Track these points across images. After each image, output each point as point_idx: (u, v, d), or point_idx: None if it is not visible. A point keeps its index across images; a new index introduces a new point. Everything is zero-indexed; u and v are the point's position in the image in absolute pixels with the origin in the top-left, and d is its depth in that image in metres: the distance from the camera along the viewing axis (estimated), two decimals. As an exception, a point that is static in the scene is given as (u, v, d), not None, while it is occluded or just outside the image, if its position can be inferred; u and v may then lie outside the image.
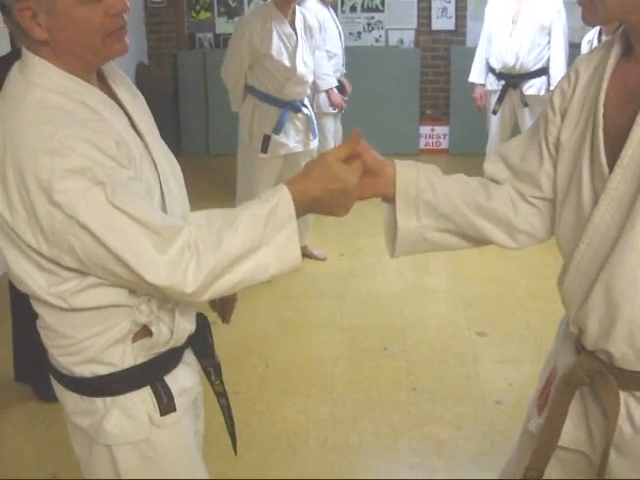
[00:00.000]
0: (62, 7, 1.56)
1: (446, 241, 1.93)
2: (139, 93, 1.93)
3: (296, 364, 4.35)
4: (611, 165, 1.59)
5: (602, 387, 1.70)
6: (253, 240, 1.61)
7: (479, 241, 1.94)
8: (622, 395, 1.67)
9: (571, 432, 1.79)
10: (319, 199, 1.71)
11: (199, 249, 1.57)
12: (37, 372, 3.88)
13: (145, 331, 1.78)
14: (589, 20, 1.63)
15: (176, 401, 1.86)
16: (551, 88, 6.17)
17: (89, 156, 1.53)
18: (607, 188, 1.59)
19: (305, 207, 1.71)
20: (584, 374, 1.73)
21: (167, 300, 1.75)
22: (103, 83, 1.79)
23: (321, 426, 3.74)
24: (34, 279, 1.64)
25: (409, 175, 1.86)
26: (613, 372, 1.67)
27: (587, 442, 1.79)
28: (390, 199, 1.89)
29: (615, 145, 1.59)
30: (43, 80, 1.62)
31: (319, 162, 1.73)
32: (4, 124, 1.56)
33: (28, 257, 1.62)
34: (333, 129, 6.44)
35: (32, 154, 1.51)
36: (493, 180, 1.93)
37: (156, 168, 1.78)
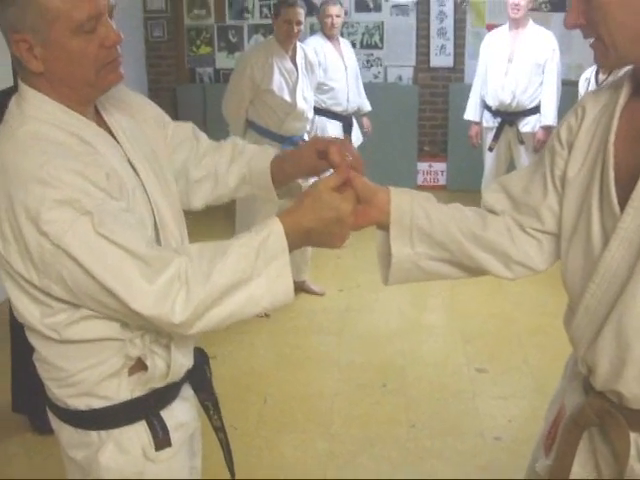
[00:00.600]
0: (57, 39, 1.59)
1: (440, 270, 1.91)
2: (146, 115, 1.96)
3: (294, 400, 4.33)
4: (621, 204, 1.59)
5: (612, 428, 1.68)
6: (244, 271, 1.60)
7: (474, 271, 1.92)
8: (632, 435, 1.66)
9: (579, 473, 1.77)
10: (313, 230, 1.69)
11: (189, 280, 1.56)
12: (34, 404, 3.86)
13: (141, 365, 1.77)
14: (601, 63, 1.64)
15: (172, 436, 1.85)
16: (541, 125, 6.24)
17: (78, 187, 1.54)
18: (618, 228, 1.58)
19: (299, 239, 1.69)
20: (593, 414, 1.71)
21: (161, 334, 1.75)
22: (99, 115, 1.80)
23: (319, 462, 3.72)
24: (29, 310, 1.66)
25: (403, 202, 1.85)
26: (623, 412, 1.66)
27: None
28: (384, 226, 1.88)
29: (625, 185, 1.59)
30: (38, 112, 1.64)
31: (310, 192, 1.71)
32: None
33: (21, 288, 1.63)
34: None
35: (22, 184, 1.52)
36: (491, 210, 1.92)
37: (149, 200, 1.78)
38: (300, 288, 5.79)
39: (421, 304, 5.84)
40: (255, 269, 1.61)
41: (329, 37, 6.36)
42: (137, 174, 1.78)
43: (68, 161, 1.57)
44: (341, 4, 6.45)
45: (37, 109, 1.65)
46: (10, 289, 1.66)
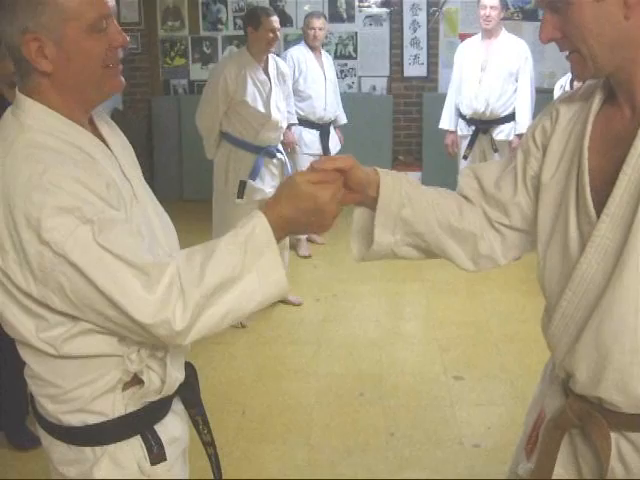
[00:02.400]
0: (71, 38, 1.61)
1: (409, 254, 1.94)
2: (125, 139, 1.95)
3: (273, 411, 4.32)
4: (596, 209, 1.61)
5: (593, 429, 1.69)
6: (234, 268, 1.60)
7: (438, 257, 1.96)
8: (613, 436, 1.67)
9: (561, 475, 1.78)
10: (293, 219, 1.70)
11: (183, 285, 1.56)
12: (11, 419, 3.84)
13: (135, 380, 1.76)
14: (579, 75, 1.65)
15: (166, 450, 1.84)
16: (517, 133, 6.28)
17: (78, 195, 1.54)
18: (594, 235, 1.60)
19: (282, 229, 1.69)
20: (574, 416, 1.73)
21: (157, 348, 1.74)
22: (94, 128, 1.81)
23: (299, 472, 3.71)
24: (23, 324, 1.64)
25: (392, 191, 1.86)
26: (604, 414, 1.67)
27: None
28: (367, 205, 1.89)
29: (599, 190, 1.61)
30: (36, 122, 1.64)
31: (287, 184, 1.72)
32: None
33: (17, 302, 1.61)
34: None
35: (22, 192, 1.52)
36: (466, 196, 1.94)
37: (142, 211, 1.79)
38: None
39: (398, 313, 5.85)
40: (245, 265, 1.61)
41: (311, 48, 6.63)
42: (131, 186, 1.79)
43: (68, 169, 1.57)
44: (325, 17, 6.67)
45: (35, 118, 1.65)
46: (3, 303, 1.64)
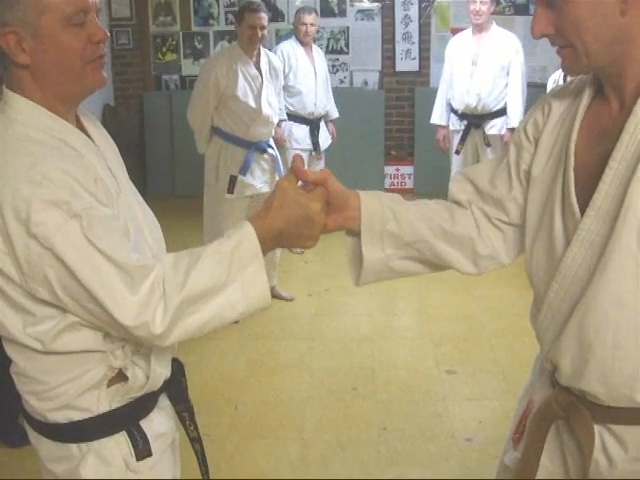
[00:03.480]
0: (46, 30, 1.62)
1: (409, 268, 1.94)
2: (109, 137, 1.95)
3: (266, 406, 4.33)
4: (582, 204, 1.61)
5: (577, 421, 1.71)
6: (219, 278, 1.60)
7: (441, 267, 1.96)
8: (597, 428, 1.68)
9: (547, 466, 1.80)
10: (283, 230, 1.70)
11: (166, 289, 1.56)
12: (4, 417, 3.83)
13: (120, 376, 1.77)
14: (571, 69, 1.65)
15: (152, 446, 1.84)
16: (508, 127, 6.29)
17: (67, 188, 1.55)
18: (579, 229, 1.61)
19: (271, 241, 1.69)
20: (559, 408, 1.74)
21: (141, 344, 1.74)
22: (79, 125, 1.81)
23: (292, 467, 3.71)
24: (10, 320, 1.64)
25: (373, 207, 1.86)
26: (588, 406, 1.68)
27: (562, 476, 1.79)
28: (354, 231, 1.89)
29: (586, 185, 1.61)
30: (23, 117, 1.65)
31: (277, 193, 1.72)
32: None
33: (5, 296, 1.62)
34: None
35: (11, 185, 1.53)
36: (456, 201, 1.94)
37: (128, 208, 1.79)
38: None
39: (390, 308, 5.86)
40: (230, 275, 1.61)
41: (302, 43, 6.60)
42: (117, 182, 1.80)
43: (57, 162, 1.58)
44: (316, 12, 6.66)
45: (22, 113, 1.66)
46: None
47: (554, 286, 1.68)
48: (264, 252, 1.66)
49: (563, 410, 1.74)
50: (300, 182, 1.78)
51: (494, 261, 1.94)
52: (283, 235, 1.71)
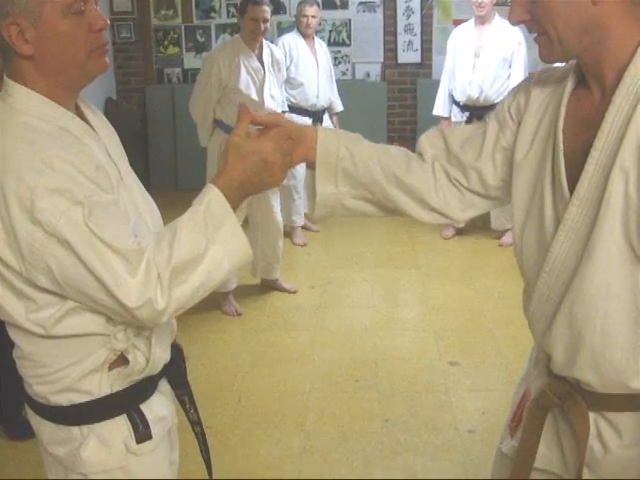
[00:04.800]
0: (47, 19, 1.64)
1: (363, 208, 1.96)
2: (109, 124, 1.97)
3: (268, 398, 4.34)
4: (570, 190, 1.62)
5: (571, 409, 1.72)
6: (198, 243, 1.62)
7: (394, 211, 1.97)
8: (592, 415, 1.69)
9: (545, 454, 1.81)
10: (246, 180, 1.72)
11: (158, 267, 1.58)
12: (7, 409, 3.84)
13: (121, 359, 1.79)
14: (546, 57, 1.66)
15: (152, 429, 1.87)
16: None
17: (69, 176, 1.57)
18: (565, 219, 1.62)
19: (235, 195, 1.71)
20: (554, 396, 1.75)
21: (143, 328, 1.77)
22: (80, 113, 1.83)
23: (294, 459, 3.73)
24: (13, 307, 1.67)
25: (329, 143, 1.89)
26: (582, 394, 1.69)
27: (560, 463, 1.80)
28: (312, 164, 1.92)
29: (572, 172, 1.62)
30: (25, 106, 1.67)
31: (229, 149, 1.74)
32: None
33: (5, 282, 1.64)
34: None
35: (14, 173, 1.55)
36: (422, 153, 1.95)
37: (130, 195, 1.81)
38: (272, 286, 5.81)
39: (393, 299, 5.86)
40: (209, 238, 1.64)
41: (304, 35, 6.64)
42: (118, 169, 1.82)
43: (60, 150, 1.60)
44: (318, 5, 6.67)
45: (24, 103, 1.68)
46: None
47: (543, 275, 1.69)
48: (234, 207, 1.70)
49: (558, 398, 1.75)
50: (255, 128, 1.81)
51: (445, 216, 1.95)
52: (246, 184, 1.73)
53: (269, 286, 5.84)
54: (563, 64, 1.77)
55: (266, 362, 4.80)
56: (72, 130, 1.71)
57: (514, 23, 1.66)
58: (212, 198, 1.67)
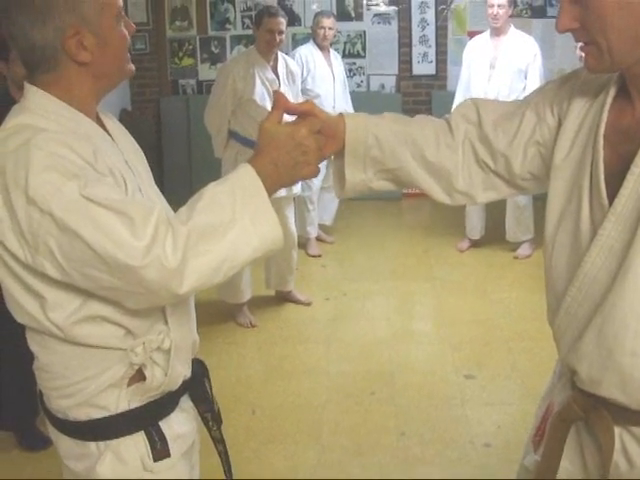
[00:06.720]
0: (107, 24, 1.70)
1: (385, 187, 1.98)
2: (129, 134, 1.98)
3: (283, 410, 4.32)
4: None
5: (596, 422, 1.69)
6: (223, 209, 1.58)
7: (416, 188, 1.98)
8: (617, 430, 1.66)
9: (567, 468, 1.78)
10: (279, 163, 1.69)
11: (172, 223, 1.54)
12: (21, 420, 3.84)
13: (139, 375, 1.77)
14: (593, 68, 1.61)
15: (170, 447, 1.84)
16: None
17: (64, 155, 1.56)
18: (599, 234, 1.58)
19: (269, 176, 1.67)
20: (579, 409, 1.72)
21: (163, 341, 1.76)
22: (100, 123, 1.83)
23: (309, 472, 3.70)
24: (30, 304, 1.66)
25: (358, 132, 1.88)
26: (607, 407, 1.66)
27: (582, 477, 1.77)
28: (340, 154, 1.92)
29: (609, 184, 1.59)
30: (35, 107, 1.68)
31: (261, 135, 1.73)
32: None
33: (16, 278, 1.63)
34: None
35: (11, 157, 1.55)
36: (452, 129, 1.92)
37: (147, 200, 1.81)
38: (286, 298, 5.80)
39: (408, 312, 5.84)
40: (236, 210, 1.59)
41: (320, 47, 6.68)
42: (134, 173, 1.82)
43: (53, 134, 1.60)
44: (334, 17, 6.67)
45: (35, 104, 1.68)
46: (8, 286, 1.66)
47: (572, 290, 1.66)
48: (268, 191, 1.65)
49: (583, 411, 1.72)
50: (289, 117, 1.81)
51: (468, 197, 1.94)
52: (279, 167, 1.70)
53: (283, 298, 5.83)
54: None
55: (281, 374, 4.78)
56: (86, 132, 1.70)
57: (562, 31, 1.59)
58: (245, 173, 1.65)
